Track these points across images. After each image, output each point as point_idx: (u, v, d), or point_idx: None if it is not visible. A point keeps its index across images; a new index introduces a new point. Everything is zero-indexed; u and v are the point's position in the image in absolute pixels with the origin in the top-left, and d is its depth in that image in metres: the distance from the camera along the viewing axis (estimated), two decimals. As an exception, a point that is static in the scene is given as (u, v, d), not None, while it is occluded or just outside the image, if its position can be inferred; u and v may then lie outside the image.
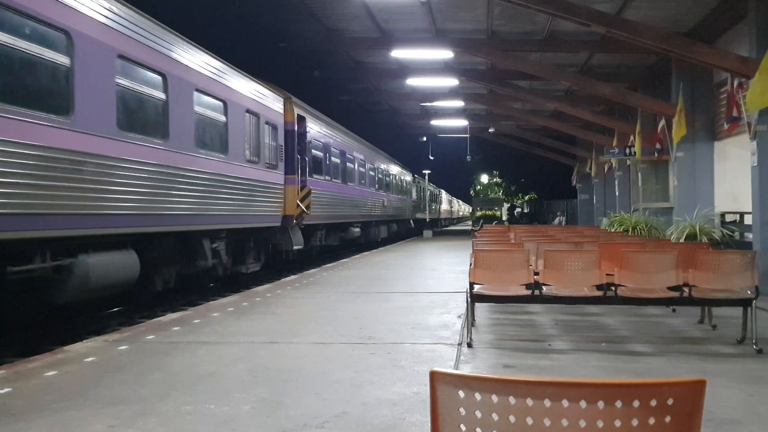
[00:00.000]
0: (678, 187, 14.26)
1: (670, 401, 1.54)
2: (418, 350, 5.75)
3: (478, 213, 56.25)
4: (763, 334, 6.06)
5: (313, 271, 13.94)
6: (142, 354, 5.68)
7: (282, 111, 14.33)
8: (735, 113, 10.93)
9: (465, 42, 15.62)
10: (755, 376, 4.93)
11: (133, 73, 8.49)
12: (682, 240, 11.55)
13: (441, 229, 53.01)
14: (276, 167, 13.73)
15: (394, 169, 29.69)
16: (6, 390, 4.51)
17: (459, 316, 7.44)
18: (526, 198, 62.16)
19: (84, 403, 4.18)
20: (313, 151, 16.19)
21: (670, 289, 6.06)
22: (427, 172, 40.21)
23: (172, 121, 9.28)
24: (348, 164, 20.50)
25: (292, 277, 12.74)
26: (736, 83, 10.94)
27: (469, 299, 6.30)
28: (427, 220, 38.04)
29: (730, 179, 13.69)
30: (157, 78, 9.02)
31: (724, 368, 5.18)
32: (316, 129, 16.57)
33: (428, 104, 25.90)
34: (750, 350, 5.74)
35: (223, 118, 11.14)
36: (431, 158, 42.17)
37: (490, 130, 31.82)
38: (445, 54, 16.47)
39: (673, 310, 7.87)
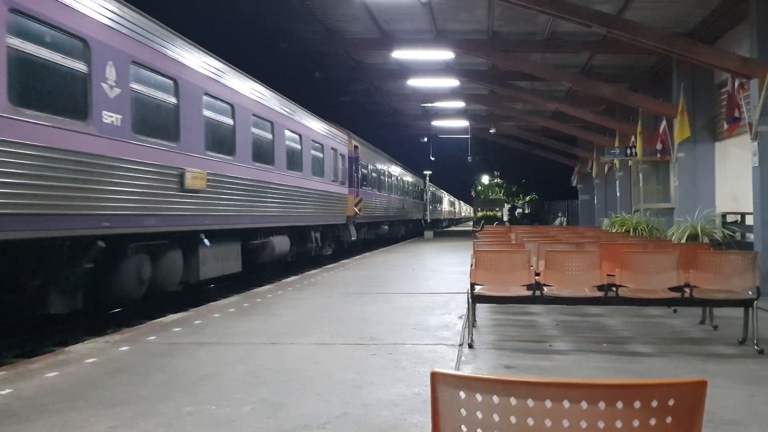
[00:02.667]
0: (679, 187, 14.26)
1: (671, 402, 1.54)
2: (419, 351, 5.75)
3: (479, 213, 56.26)
4: (764, 335, 6.05)
5: (314, 272, 13.95)
6: (142, 355, 5.68)
7: (346, 144, 20.04)
8: (736, 114, 10.93)
9: (466, 43, 15.62)
10: (756, 376, 4.92)
11: (288, 133, 14.40)
12: (683, 240, 11.54)
13: (442, 229, 53.00)
14: (344, 183, 19.39)
15: (409, 177, 34.73)
16: (7, 391, 4.51)
17: (460, 317, 7.43)
18: (527, 199, 62.17)
19: (85, 404, 4.19)
20: (362, 169, 21.96)
21: (671, 289, 6.06)
22: (428, 172, 40.26)
23: (304, 160, 15.42)
24: (381, 177, 26.09)
25: (293, 278, 12.74)
26: (736, 84, 10.94)
27: (470, 300, 6.30)
28: (428, 220, 38.09)
29: (731, 180, 13.69)
30: (296, 136, 15.02)
31: (725, 369, 5.18)
32: (363, 154, 22.41)
33: (429, 105, 25.92)
34: (751, 351, 5.73)
35: (320, 155, 16.96)
36: (432, 159, 42.21)
37: (491, 130, 31.82)
38: (446, 55, 16.48)
39: (674, 311, 7.87)
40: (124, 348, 5.96)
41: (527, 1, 10.94)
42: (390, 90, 23.82)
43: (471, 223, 69.46)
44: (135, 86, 8.30)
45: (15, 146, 6.14)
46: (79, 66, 7.19)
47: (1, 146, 5.97)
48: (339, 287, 10.76)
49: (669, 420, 1.54)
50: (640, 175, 16.88)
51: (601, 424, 1.55)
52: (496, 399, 1.59)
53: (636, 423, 1.54)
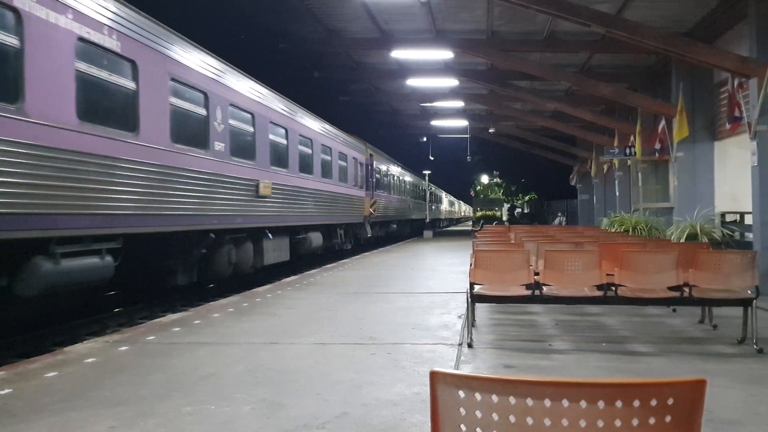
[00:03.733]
0: (678, 187, 14.26)
1: (670, 401, 1.54)
2: (419, 351, 5.75)
3: (479, 213, 56.30)
4: (763, 334, 6.06)
5: (313, 271, 13.94)
6: (142, 355, 5.68)
7: (364, 153, 22.92)
8: (737, 113, 10.93)
9: (465, 42, 15.62)
10: (756, 376, 4.93)
11: (322, 147, 17.42)
12: (682, 240, 11.55)
13: (441, 229, 52.98)
14: (362, 187, 22.38)
15: (413, 179, 37.06)
16: (6, 391, 4.51)
17: (459, 317, 7.44)
18: (527, 198, 62.16)
19: (84, 404, 4.19)
20: (375, 175, 24.84)
21: (671, 289, 6.07)
22: (427, 172, 40.26)
23: (333, 169, 18.45)
24: (391, 181, 28.95)
25: (293, 277, 12.74)
26: (736, 83, 10.94)
27: (469, 299, 6.30)
28: (428, 220, 38.09)
29: (730, 179, 13.69)
30: (328, 149, 18.00)
31: (724, 368, 5.18)
32: (376, 161, 25.35)
33: (428, 105, 25.91)
34: (750, 350, 5.74)
35: (345, 164, 20.02)
36: (431, 158, 42.24)
37: (491, 130, 31.82)
38: (445, 54, 16.47)
39: (674, 310, 7.87)
40: (123, 348, 5.96)
41: (526, 1, 10.93)
42: (389, 90, 23.81)
43: (470, 223, 69.45)
44: (231, 122, 11.35)
45: (175, 169, 9.30)
46: (203, 111, 10.37)
47: (167, 170, 9.07)
48: (338, 287, 10.76)
49: (668, 419, 1.54)
50: (639, 174, 16.89)
51: (600, 424, 1.55)
52: (495, 398, 1.59)
53: (635, 422, 1.54)
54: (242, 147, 11.84)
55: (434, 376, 1.66)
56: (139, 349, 5.91)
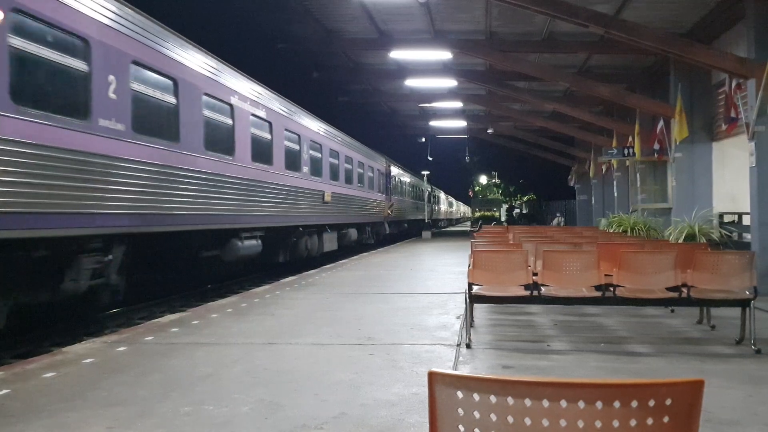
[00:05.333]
0: (676, 187, 14.26)
1: (668, 401, 1.54)
2: (417, 351, 5.75)
3: (477, 214, 56.30)
4: (761, 335, 6.07)
5: (312, 272, 13.94)
6: (140, 355, 5.68)
7: (383, 164, 27.46)
8: (733, 114, 10.94)
9: (463, 43, 15.62)
10: (754, 376, 4.93)
11: (359, 163, 22.45)
12: (680, 241, 11.56)
13: (440, 230, 52.97)
14: (383, 193, 26.91)
15: (419, 182, 40.47)
16: (4, 391, 4.50)
17: (458, 317, 7.44)
18: (525, 199, 62.16)
19: (82, 405, 4.18)
20: (392, 181, 29.21)
21: (669, 289, 6.07)
22: (426, 173, 40.28)
23: (365, 179, 23.14)
24: (402, 186, 33.12)
25: (291, 278, 12.74)
26: (734, 84, 10.95)
27: (467, 300, 6.30)
28: (426, 220, 38.10)
29: (728, 180, 13.70)
30: (361, 164, 22.77)
31: (722, 369, 5.18)
32: (393, 169, 29.87)
33: (427, 105, 25.91)
34: (748, 350, 5.74)
35: (372, 174, 24.58)
36: (430, 159, 42.22)
37: (489, 131, 31.81)
38: (444, 55, 16.46)
39: (672, 311, 7.88)
40: (121, 348, 5.95)
41: (525, 2, 10.94)
42: (388, 90, 23.81)
43: (469, 224, 69.45)
44: (311, 152, 16.32)
45: (286, 186, 14.20)
46: (298, 147, 15.31)
47: (284, 188, 14.14)
48: (337, 287, 10.76)
49: (666, 419, 1.55)
50: (638, 175, 16.90)
51: (598, 424, 1.55)
52: (493, 399, 1.59)
53: (633, 422, 1.55)
54: (316, 168, 16.81)
55: (432, 376, 1.66)
56: (137, 350, 5.90)
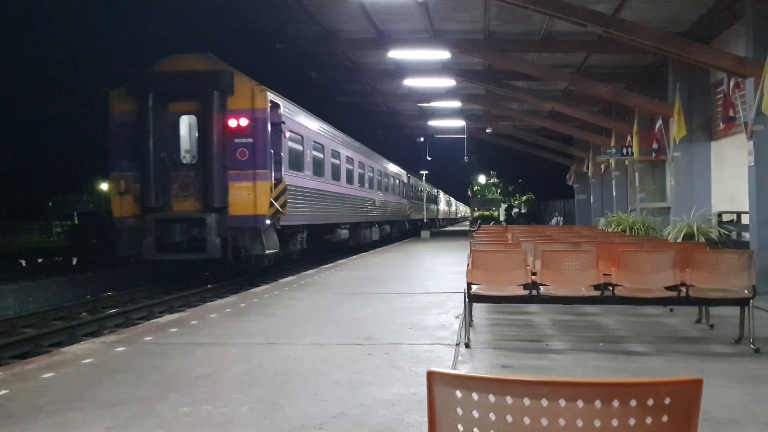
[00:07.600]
0: (675, 186, 14.27)
1: (667, 400, 1.54)
2: (416, 351, 5.75)
3: (476, 213, 56.32)
4: (760, 334, 6.07)
5: (310, 272, 13.93)
6: (139, 355, 5.67)
7: (405, 175, 34.87)
8: (731, 113, 10.95)
9: (462, 42, 15.61)
10: (753, 375, 4.94)
11: (392, 176, 32.44)
12: (679, 240, 11.56)
13: (438, 229, 52.99)
14: (404, 197, 34.37)
15: (427, 186, 45.52)
16: (3, 392, 4.50)
17: (457, 317, 7.44)
18: (524, 198, 62.14)
19: (81, 405, 4.18)
20: (411, 188, 36.94)
21: (668, 288, 6.07)
22: (424, 172, 40.41)
23: (396, 189, 32.68)
24: (416, 190, 39.93)
25: (290, 278, 12.73)
26: (732, 83, 10.96)
27: (466, 299, 6.30)
28: (425, 220, 38.27)
29: (727, 179, 13.71)
30: (393, 177, 32.11)
31: (721, 368, 5.19)
32: (411, 179, 37.09)
33: (425, 105, 25.87)
34: (747, 350, 5.75)
35: (397, 182, 32.44)
36: (428, 159, 42.29)
37: (488, 130, 31.79)
38: (442, 54, 16.45)
39: (671, 310, 7.88)
40: (120, 348, 5.95)
41: (523, 1, 10.93)
42: (386, 90, 23.78)
43: (468, 223, 69.46)
44: (368, 173, 24.95)
45: (362, 199, 24.12)
46: (362, 171, 24.04)
47: (358, 200, 23.59)
48: (336, 287, 10.75)
49: (665, 419, 1.55)
50: (636, 174, 16.90)
51: (597, 423, 1.55)
52: (492, 398, 1.59)
53: (632, 421, 1.55)
54: (371, 183, 24.82)
55: (431, 376, 1.66)
56: (136, 350, 5.90)
